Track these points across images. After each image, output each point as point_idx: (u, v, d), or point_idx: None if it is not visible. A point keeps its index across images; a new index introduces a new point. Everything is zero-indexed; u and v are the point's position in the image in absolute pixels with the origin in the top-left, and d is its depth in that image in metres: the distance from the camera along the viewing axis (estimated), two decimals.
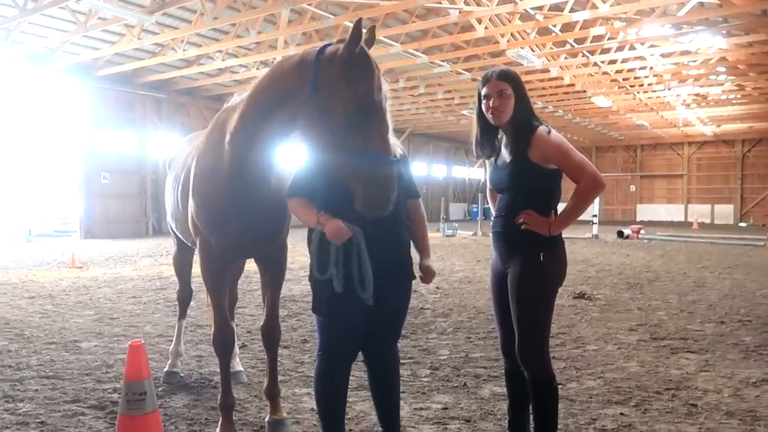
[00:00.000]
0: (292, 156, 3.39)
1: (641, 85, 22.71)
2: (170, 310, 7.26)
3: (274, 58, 18.02)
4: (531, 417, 3.29)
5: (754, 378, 4.62)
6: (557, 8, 14.83)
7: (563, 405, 3.81)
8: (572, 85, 21.75)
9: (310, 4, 13.99)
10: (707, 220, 36.27)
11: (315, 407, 3.12)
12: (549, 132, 2.94)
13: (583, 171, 2.88)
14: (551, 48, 17.92)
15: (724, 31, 15.70)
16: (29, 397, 4.07)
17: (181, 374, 4.63)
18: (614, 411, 3.91)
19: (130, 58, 19.08)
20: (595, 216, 21.95)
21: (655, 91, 23.48)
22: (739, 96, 24.20)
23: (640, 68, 20.12)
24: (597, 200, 22.73)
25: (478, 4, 14.22)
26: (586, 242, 19.56)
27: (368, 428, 3.63)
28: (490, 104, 2.98)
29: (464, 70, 20.45)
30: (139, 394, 2.94)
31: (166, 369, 4.59)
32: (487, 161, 3.28)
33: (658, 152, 40.37)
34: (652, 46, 17.55)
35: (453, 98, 25.23)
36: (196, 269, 4.99)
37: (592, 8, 14.05)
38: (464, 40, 17.26)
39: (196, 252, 4.70)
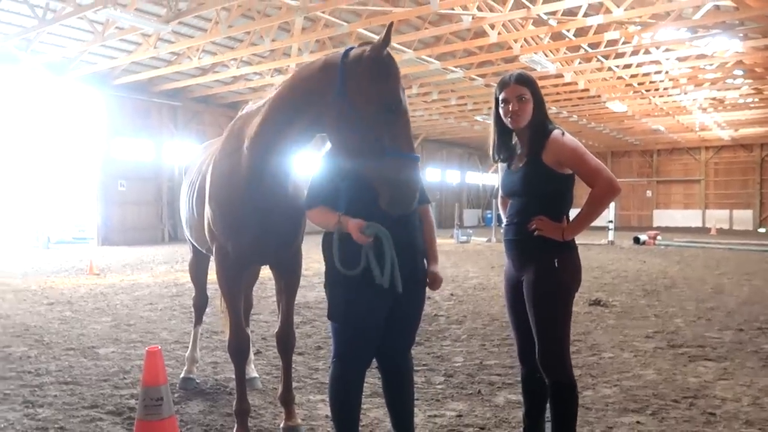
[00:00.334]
0: (307, 164, 3.41)
1: (657, 90, 22.51)
2: (186, 316, 7.32)
3: (288, 66, 18.19)
4: (546, 425, 3.27)
5: None
6: (571, 13, 14.78)
7: (579, 413, 3.77)
8: (587, 90, 21.63)
9: (323, 12, 14.09)
10: (725, 226, 35.75)
11: (329, 414, 3.13)
12: (563, 135, 2.94)
13: (598, 175, 2.87)
14: (565, 53, 17.86)
15: (741, 34, 15.54)
16: (48, 402, 4.13)
17: (197, 380, 4.66)
18: (631, 419, 3.87)
19: (147, 66, 19.33)
20: (611, 222, 21.78)
21: (671, 95, 23.28)
22: (756, 99, 23.89)
23: (656, 72, 19.96)
24: (612, 206, 22.54)
25: (491, 10, 14.22)
26: (601, 248, 19.40)
27: None
28: (509, 108, 2.99)
29: (477, 75, 20.43)
30: (156, 399, 2.97)
31: (182, 375, 4.63)
32: (500, 166, 3.29)
33: (674, 157, 39.94)
34: (667, 50, 17.40)
35: (466, 104, 25.20)
36: (212, 276, 5.05)
37: (606, 12, 13.97)
38: (477, 46, 17.26)
39: (212, 259, 4.76)
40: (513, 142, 3.16)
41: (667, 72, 19.77)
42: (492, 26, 15.13)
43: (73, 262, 14.29)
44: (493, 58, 18.16)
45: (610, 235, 21.39)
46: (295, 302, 3.97)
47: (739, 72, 20.00)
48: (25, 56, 16.55)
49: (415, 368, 3.35)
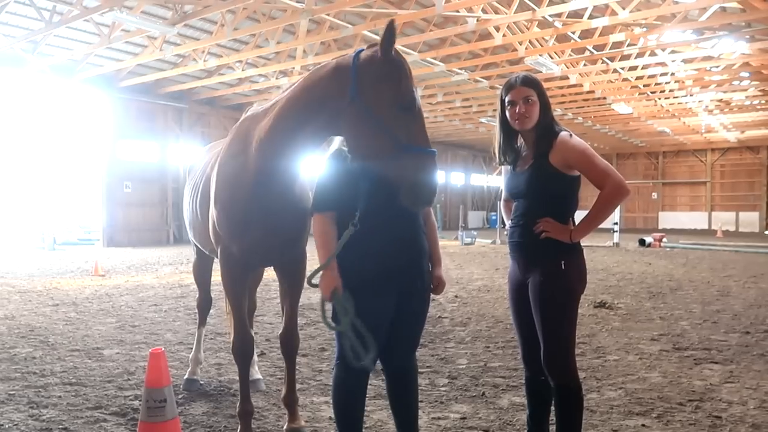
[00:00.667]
0: (312, 165, 3.41)
1: (662, 92, 22.45)
2: (190, 317, 7.33)
3: (293, 68, 18.24)
4: (551, 427, 3.26)
5: None
6: (576, 15, 14.77)
7: (584, 416, 3.75)
8: (592, 92, 21.58)
9: (328, 14, 14.12)
10: (732, 228, 35.58)
11: (333, 416, 3.13)
12: (571, 137, 2.93)
13: (607, 177, 2.86)
14: (570, 55, 17.83)
15: (747, 36, 15.47)
16: (53, 403, 4.14)
17: (201, 382, 4.67)
18: (636, 422, 3.85)
19: (152, 69, 19.40)
20: (616, 224, 21.69)
21: (676, 97, 23.20)
22: (763, 101, 23.79)
23: (661, 74, 19.91)
24: (618, 207, 22.46)
25: (496, 12, 14.21)
26: (606, 250, 19.34)
27: None
28: (517, 110, 2.98)
29: (482, 77, 20.43)
30: (159, 401, 2.97)
31: (186, 376, 4.64)
32: (503, 168, 3.28)
33: (680, 159, 39.78)
34: (673, 51, 17.36)
35: (471, 106, 25.19)
36: (216, 277, 5.06)
37: (611, 14, 13.95)
38: (482, 48, 17.25)
39: (216, 260, 4.77)
40: (518, 144, 3.15)
41: (673, 74, 19.71)
42: (497, 28, 15.12)
43: (79, 264, 14.34)
44: (498, 60, 18.14)
45: (615, 237, 21.31)
46: (299, 304, 3.97)
47: (745, 74, 19.92)
48: (31, 59, 16.64)
49: (419, 370, 3.34)
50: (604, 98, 22.96)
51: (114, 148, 20.94)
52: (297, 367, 3.97)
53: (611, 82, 20.96)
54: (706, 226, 36.97)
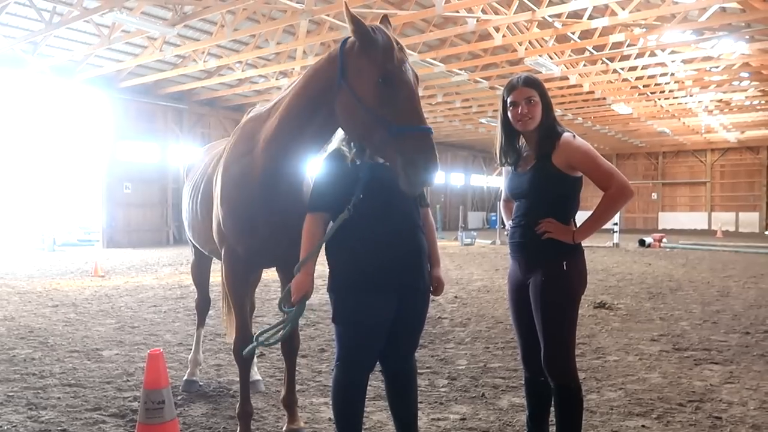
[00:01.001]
0: (314, 165, 3.42)
1: (662, 92, 22.45)
2: (190, 318, 7.33)
3: (293, 69, 18.23)
4: (550, 428, 3.25)
5: None
6: (576, 15, 14.77)
7: (584, 416, 3.74)
8: (592, 92, 21.58)
9: (328, 15, 14.11)
10: (731, 229, 35.57)
11: (332, 417, 3.12)
12: (575, 138, 2.92)
13: (611, 178, 2.86)
14: (570, 55, 17.83)
15: (747, 36, 15.47)
16: (52, 404, 4.13)
17: (200, 383, 4.66)
18: (636, 423, 3.84)
19: (152, 69, 19.40)
20: (616, 224, 21.69)
21: (676, 97, 23.20)
22: (763, 101, 23.79)
23: (661, 75, 19.91)
24: None
25: (496, 13, 14.22)
26: (606, 251, 19.34)
27: None
28: (519, 111, 2.97)
29: (482, 78, 20.43)
30: (158, 402, 2.96)
31: (185, 378, 4.63)
32: (504, 169, 3.27)
33: (680, 159, 39.78)
34: (673, 52, 17.36)
35: (471, 107, 25.19)
36: (215, 278, 5.06)
37: (611, 15, 13.96)
38: (482, 49, 17.25)
39: (214, 261, 4.77)
40: (519, 145, 3.15)
41: (672, 74, 19.71)
42: (497, 29, 15.12)
43: (78, 264, 14.34)
44: (497, 61, 18.14)
45: (615, 237, 21.31)
46: None
47: (745, 74, 19.92)
48: (32, 59, 16.63)
49: (418, 371, 3.33)
50: (604, 99, 22.96)
51: (114, 149, 20.94)
52: (296, 368, 3.96)
53: (611, 82, 20.97)
54: (705, 227, 36.96)
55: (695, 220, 37.85)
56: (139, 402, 3.91)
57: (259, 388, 4.49)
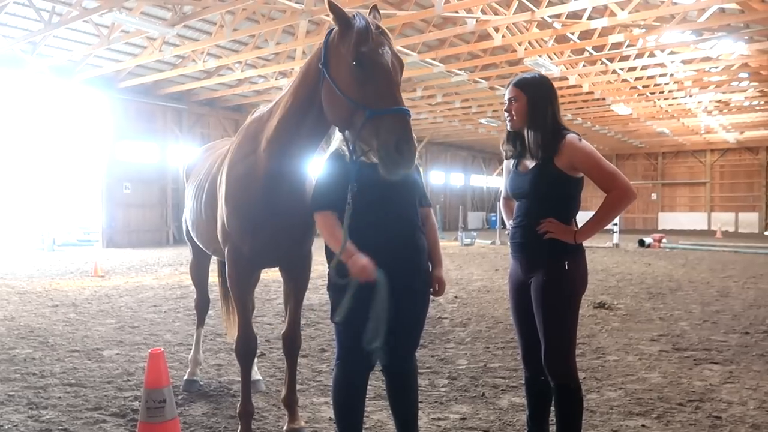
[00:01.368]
0: (316, 165, 3.43)
1: (662, 93, 22.47)
2: (190, 318, 7.33)
3: (293, 69, 18.22)
4: (551, 428, 3.26)
5: None
6: (575, 16, 14.78)
7: (584, 416, 3.75)
8: (591, 92, 21.59)
9: (327, 15, 14.04)
10: (731, 229, 35.61)
11: (333, 416, 3.13)
12: (580, 140, 2.94)
13: (614, 180, 2.88)
14: (569, 56, 17.84)
15: (746, 37, 15.48)
16: (53, 404, 4.14)
17: (201, 383, 4.66)
18: (635, 423, 3.85)
19: (152, 69, 19.40)
20: (616, 224, 21.68)
21: (675, 98, 23.21)
22: (762, 102, 23.81)
23: (660, 75, 19.91)
24: None
25: (496, 13, 14.22)
26: (606, 251, 19.36)
27: None
28: (504, 109, 3.09)
29: (482, 78, 20.43)
30: (159, 401, 2.96)
31: (185, 377, 4.63)
32: (505, 168, 3.29)
33: (679, 160, 39.83)
34: (672, 52, 17.37)
35: (470, 107, 25.19)
36: (213, 278, 5.06)
37: (610, 15, 13.96)
38: (481, 49, 17.25)
39: (214, 261, 4.79)
40: (527, 142, 3.16)
41: (672, 75, 19.71)
42: (496, 29, 15.12)
43: (78, 265, 14.33)
44: (497, 61, 18.14)
45: (615, 237, 21.32)
46: None
47: (744, 75, 19.93)
48: (31, 59, 16.63)
49: (419, 371, 3.34)
50: (603, 99, 22.97)
51: (113, 149, 20.94)
52: (297, 368, 3.97)
53: (610, 83, 20.98)
54: (705, 227, 37.00)
55: (695, 220, 37.89)
56: (139, 401, 3.92)
57: (259, 388, 4.50)
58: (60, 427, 3.71)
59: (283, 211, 3.21)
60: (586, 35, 16.17)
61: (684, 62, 18.39)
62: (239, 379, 3.67)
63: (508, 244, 3.19)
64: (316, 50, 2.92)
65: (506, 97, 3.09)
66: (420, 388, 3.94)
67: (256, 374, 4.60)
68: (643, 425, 3.80)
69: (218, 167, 3.66)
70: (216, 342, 6.10)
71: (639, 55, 17.79)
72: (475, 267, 14.26)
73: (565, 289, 2.94)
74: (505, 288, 9.69)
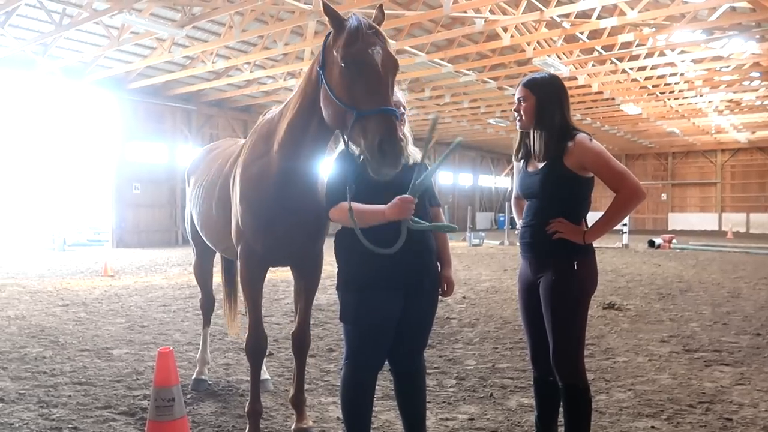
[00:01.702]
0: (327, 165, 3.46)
1: (672, 92, 22.31)
2: (199, 318, 7.31)
3: (301, 69, 18.25)
4: (559, 429, 3.24)
5: None
6: (584, 15, 14.71)
7: (593, 417, 3.73)
8: (600, 92, 21.48)
9: None
10: (742, 229, 35.32)
11: (341, 416, 3.13)
12: (591, 140, 2.93)
13: (624, 180, 2.87)
14: (578, 55, 17.76)
15: (758, 36, 15.36)
16: (63, 402, 4.17)
17: (209, 382, 4.68)
18: (645, 424, 3.82)
19: (161, 70, 19.51)
20: (626, 225, 21.56)
21: (686, 97, 23.05)
22: None
23: (671, 75, 19.78)
24: None
25: (504, 13, 14.18)
26: (615, 252, 19.25)
27: None
28: (513, 109, 3.09)
29: (490, 78, 20.38)
30: (168, 400, 2.98)
31: (194, 376, 4.65)
32: (515, 167, 3.28)
33: (690, 160, 39.55)
34: (682, 52, 17.24)
35: (479, 107, 25.14)
36: (217, 279, 5.08)
37: (620, 15, 13.89)
38: (490, 49, 17.21)
39: (216, 261, 4.82)
40: (533, 143, 3.15)
41: (682, 74, 19.58)
42: (505, 29, 15.08)
43: (88, 264, 14.43)
44: (505, 61, 18.10)
45: (625, 238, 21.20)
46: None
47: (755, 74, 19.75)
48: (42, 61, 16.77)
49: (427, 371, 3.33)
50: (613, 99, 22.85)
51: (123, 150, 21.08)
52: (306, 368, 3.97)
53: (620, 82, 20.86)
54: (716, 228, 36.72)
55: (705, 220, 37.60)
56: (148, 400, 3.94)
57: (267, 387, 4.50)
58: (70, 426, 3.73)
59: (296, 208, 3.25)
60: (595, 35, 16.10)
61: (694, 61, 18.25)
62: (248, 378, 3.68)
63: (518, 243, 3.18)
64: (318, 54, 2.94)
65: (516, 97, 3.09)
66: (428, 389, 3.93)
67: (264, 373, 4.61)
68: (652, 427, 3.78)
69: (230, 167, 3.69)
70: (224, 341, 6.12)
71: (649, 55, 17.68)
72: (484, 267, 14.23)
73: (573, 290, 2.92)
74: (513, 288, 9.66)
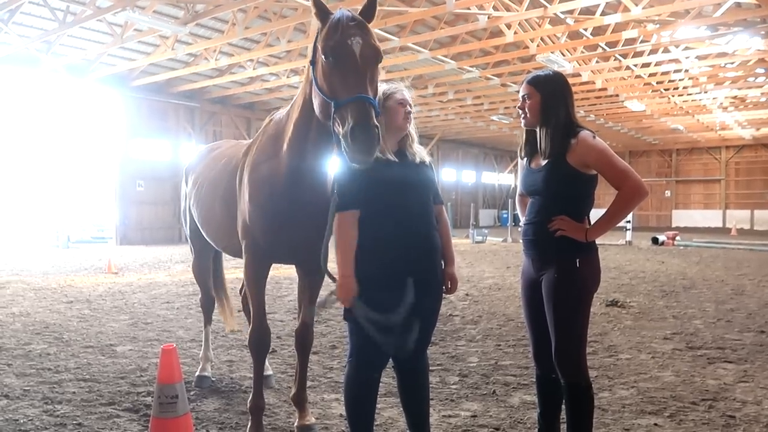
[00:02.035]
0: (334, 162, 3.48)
1: (676, 89, 22.21)
2: (202, 315, 7.37)
3: (304, 66, 18.18)
4: (562, 426, 3.25)
5: None
6: (588, 12, 14.64)
7: (595, 414, 3.73)
8: (604, 89, 21.41)
9: None
10: (746, 226, 35.18)
11: (344, 413, 3.14)
12: (594, 138, 2.92)
13: (626, 178, 2.86)
14: (582, 52, 17.71)
15: (763, 32, 15.26)
16: (67, 399, 4.19)
17: (213, 379, 4.70)
18: (648, 421, 3.82)
19: (165, 68, 19.52)
20: (629, 222, 21.52)
21: (690, 94, 22.96)
22: None
23: (675, 71, 19.70)
24: None
25: (508, 9, 14.14)
26: (619, 249, 19.22)
27: None
28: (517, 106, 3.08)
29: (493, 75, 20.32)
30: (171, 397, 2.99)
31: (197, 373, 4.67)
32: (520, 164, 3.29)
33: (694, 156, 39.40)
34: (687, 48, 17.16)
35: (482, 104, 25.08)
36: (232, 275, 5.08)
37: (624, 11, 13.82)
38: (493, 46, 17.17)
39: (213, 259, 4.85)
40: (539, 140, 3.15)
41: (686, 70, 19.49)
42: (508, 26, 15.04)
43: (92, 261, 14.48)
44: (509, 58, 18.05)
45: (628, 235, 21.17)
46: None
47: (760, 70, 19.65)
48: (46, 58, 16.80)
49: (430, 368, 3.34)
50: (617, 95, 22.77)
51: (127, 147, 21.12)
52: (308, 365, 3.98)
53: (624, 79, 20.78)
54: (720, 225, 36.61)
55: (709, 217, 37.50)
56: (152, 397, 3.95)
57: (270, 384, 4.52)
58: (74, 422, 3.75)
59: (305, 204, 3.26)
60: (599, 31, 16.03)
61: (699, 58, 18.16)
62: (250, 375, 3.69)
63: (521, 241, 3.18)
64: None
65: (520, 95, 3.08)
66: (431, 386, 3.93)
67: (267, 369, 4.62)
68: (655, 424, 3.78)
69: (235, 166, 3.71)
70: (227, 339, 6.13)
71: (653, 51, 17.60)
72: (487, 264, 14.22)
73: (576, 287, 2.92)
74: (516, 286, 9.65)
